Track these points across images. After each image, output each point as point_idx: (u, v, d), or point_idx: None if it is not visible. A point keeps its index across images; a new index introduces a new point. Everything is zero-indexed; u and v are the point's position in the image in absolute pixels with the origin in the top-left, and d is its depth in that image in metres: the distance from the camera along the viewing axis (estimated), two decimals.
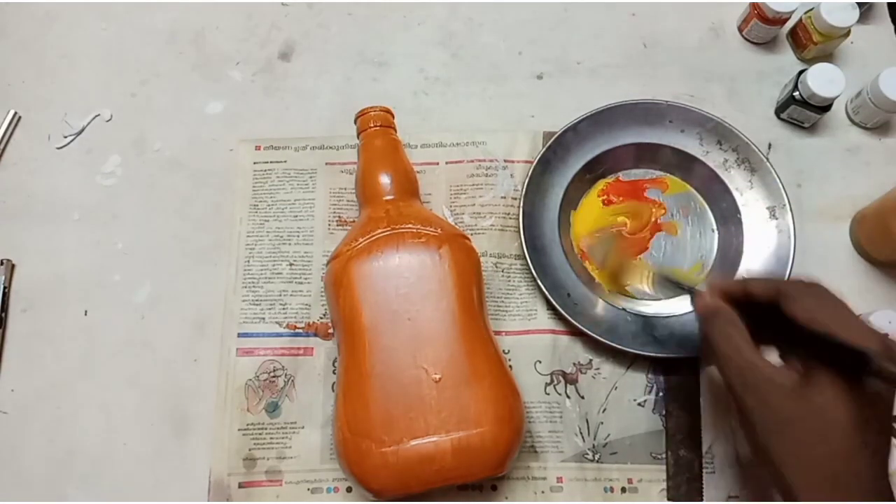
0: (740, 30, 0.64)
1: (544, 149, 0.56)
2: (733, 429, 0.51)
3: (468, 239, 0.50)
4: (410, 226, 0.48)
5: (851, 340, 0.34)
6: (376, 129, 0.52)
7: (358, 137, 0.53)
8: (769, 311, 0.39)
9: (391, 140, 0.53)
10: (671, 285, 0.49)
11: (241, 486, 0.50)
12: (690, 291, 0.45)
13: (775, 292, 0.39)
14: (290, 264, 0.56)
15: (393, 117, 0.53)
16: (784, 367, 0.37)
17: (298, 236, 0.57)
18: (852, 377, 0.34)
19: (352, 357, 0.46)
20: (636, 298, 0.55)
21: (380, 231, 0.47)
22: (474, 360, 0.45)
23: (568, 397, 0.53)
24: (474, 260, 0.49)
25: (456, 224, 0.56)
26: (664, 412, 0.52)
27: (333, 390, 0.52)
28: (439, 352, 0.45)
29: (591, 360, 0.53)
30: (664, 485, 0.51)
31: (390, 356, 0.44)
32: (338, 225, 0.57)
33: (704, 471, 0.51)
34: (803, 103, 0.58)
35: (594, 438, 0.52)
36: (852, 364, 0.34)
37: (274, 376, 0.53)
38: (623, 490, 0.50)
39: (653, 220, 0.57)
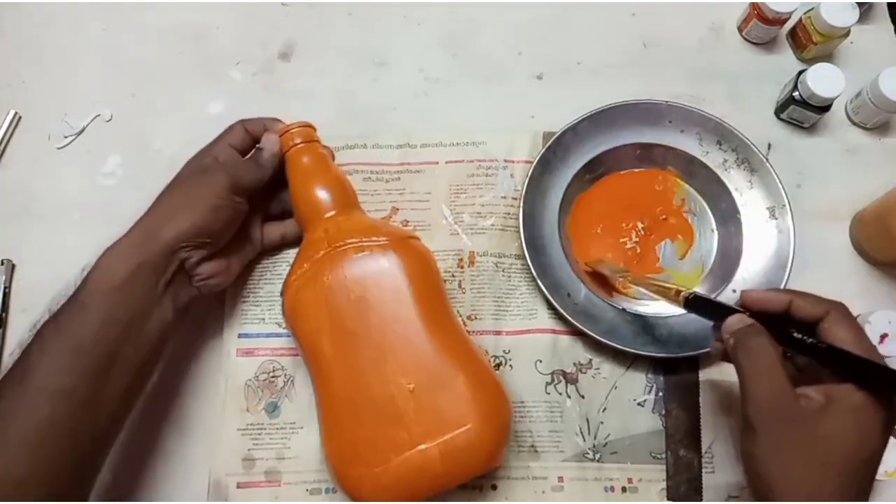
0: (740, 30, 0.64)
1: (544, 149, 0.56)
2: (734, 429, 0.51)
3: (417, 238, 0.49)
4: (352, 240, 0.46)
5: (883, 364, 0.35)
6: (300, 146, 0.50)
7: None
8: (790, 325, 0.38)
9: (318, 154, 0.51)
10: (705, 305, 0.43)
11: (239, 486, 0.50)
12: (726, 312, 0.40)
13: (824, 312, 0.37)
14: (290, 265, 0.56)
15: (315, 131, 0.52)
16: (805, 391, 0.37)
17: None
18: (884, 400, 0.35)
19: (323, 387, 0.45)
20: (636, 298, 0.55)
21: (322, 253, 0.46)
22: (444, 359, 0.44)
23: (568, 397, 0.53)
24: (426, 259, 0.48)
25: (456, 223, 0.56)
26: (664, 412, 0.52)
27: None
28: (407, 360, 0.44)
29: (591, 360, 0.53)
30: (664, 485, 0.50)
31: (359, 378, 0.44)
32: None
33: (704, 471, 0.51)
34: (803, 103, 0.58)
35: (595, 438, 0.51)
36: (887, 386, 0.35)
37: (273, 376, 0.53)
38: (623, 490, 0.50)
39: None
